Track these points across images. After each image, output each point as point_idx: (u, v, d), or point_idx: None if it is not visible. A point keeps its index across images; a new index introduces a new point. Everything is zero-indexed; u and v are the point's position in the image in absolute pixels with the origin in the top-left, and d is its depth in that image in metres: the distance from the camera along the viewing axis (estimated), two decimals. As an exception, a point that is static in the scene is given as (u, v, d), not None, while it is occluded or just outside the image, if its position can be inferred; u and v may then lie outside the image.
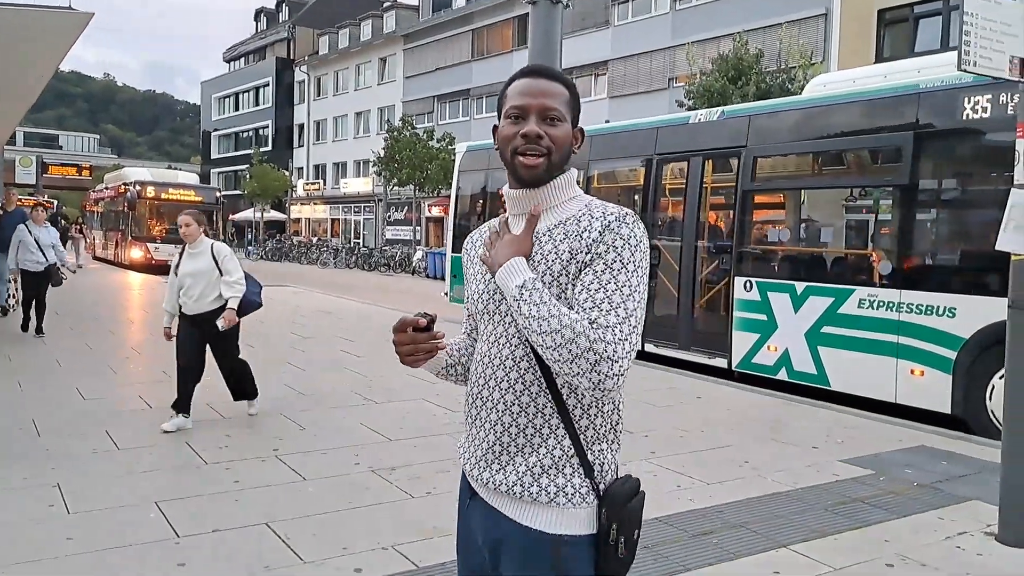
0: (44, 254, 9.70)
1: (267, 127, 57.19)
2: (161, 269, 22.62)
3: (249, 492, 4.26)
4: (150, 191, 23.97)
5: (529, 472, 1.51)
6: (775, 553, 3.57)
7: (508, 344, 1.54)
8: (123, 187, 24.98)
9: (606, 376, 1.38)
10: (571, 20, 35.12)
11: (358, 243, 44.26)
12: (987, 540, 3.74)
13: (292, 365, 8.11)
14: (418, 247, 35.52)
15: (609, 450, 1.56)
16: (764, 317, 7.82)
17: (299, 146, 55.57)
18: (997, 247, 3.48)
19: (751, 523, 3.92)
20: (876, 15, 27.10)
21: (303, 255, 37.66)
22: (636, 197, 9.74)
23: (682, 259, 8.82)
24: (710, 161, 8.82)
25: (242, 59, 64.44)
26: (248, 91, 60.07)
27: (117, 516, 3.86)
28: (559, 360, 1.40)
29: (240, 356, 6.08)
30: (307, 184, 52.66)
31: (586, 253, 1.47)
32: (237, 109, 61.52)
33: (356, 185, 48.27)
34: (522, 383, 1.52)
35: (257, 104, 58.81)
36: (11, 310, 11.35)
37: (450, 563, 3.41)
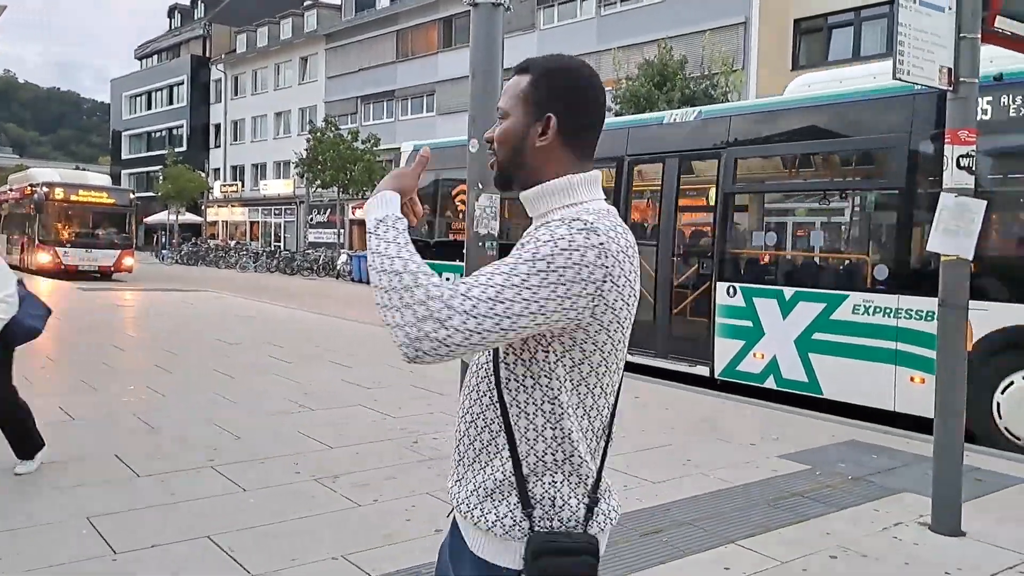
0: None
1: (181, 127, 55.45)
2: (70, 275, 21.63)
3: (187, 505, 4.09)
4: (59, 192, 22.76)
5: (475, 493, 1.40)
6: (724, 549, 3.64)
7: (481, 354, 1.44)
8: (29, 188, 23.77)
9: (426, 336, 1.25)
10: (496, 23, 35.24)
11: (279, 246, 43.30)
12: (922, 530, 3.91)
13: (219, 372, 7.85)
14: (342, 250, 34.98)
15: (565, 485, 1.36)
16: (750, 323, 7.62)
17: (216, 146, 54.01)
18: (927, 248, 3.65)
19: (698, 520, 3.99)
20: (792, 24, 28.15)
21: (221, 259, 36.58)
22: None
23: (658, 264, 8.57)
24: (688, 162, 8.68)
25: (155, 56, 62.29)
26: (161, 89, 58.12)
27: (47, 534, 3.65)
28: (388, 305, 1.30)
29: (16, 398, 4.61)
30: (224, 186, 51.23)
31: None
32: (150, 108, 59.45)
33: (276, 187, 47.22)
34: (478, 392, 1.42)
35: (171, 103, 56.95)
36: None
37: (404, 570, 3.36)
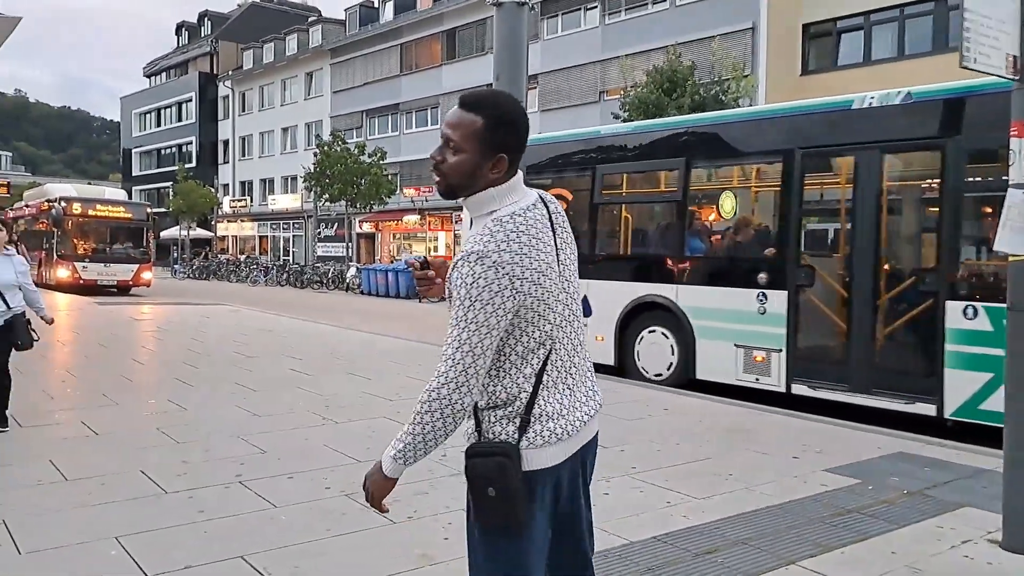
0: (4, 299, 5.80)
1: (191, 143, 55.63)
2: (90, 289, 21.56)
3: (217, 523, 3.94)
4: (76, 207, 22.65)
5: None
6: (786, 571, 3.45)
7: None
8: (46, 204, 23.66)
9: (445, 401, 1.75)
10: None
11: (288, 260, 43.27)
12: (993, 548, 3.71)
13: (240, 385, 7.70)
14: (351, 263, 34.89)
15: (506, 420, 1.83)
16: (999, 352, 6.57)
17: (224, 162, 54.13)
18: (995, 248, 3.48)
19: (753, 539, 3.81)
20: (801, 29, 28.03)
21: (231, 273, 36.55)
22: (764, 201, 8.13)
23: (852, 279, 7.05)
24: (892, 155, 7.07)
25: (163, 74, 62.62)
26: (170, 107, 58.38)
27: (74, 556, 3.50)
28: (440, 415, 1.77)
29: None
30: (233, 201, 51.30)
31: (450, 282, 1.77)
32: (159, 125, 59.70)
33: (284, 201, 47.25)
34: None
35: (180, 120, 57.18)
36: None
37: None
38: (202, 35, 59.11)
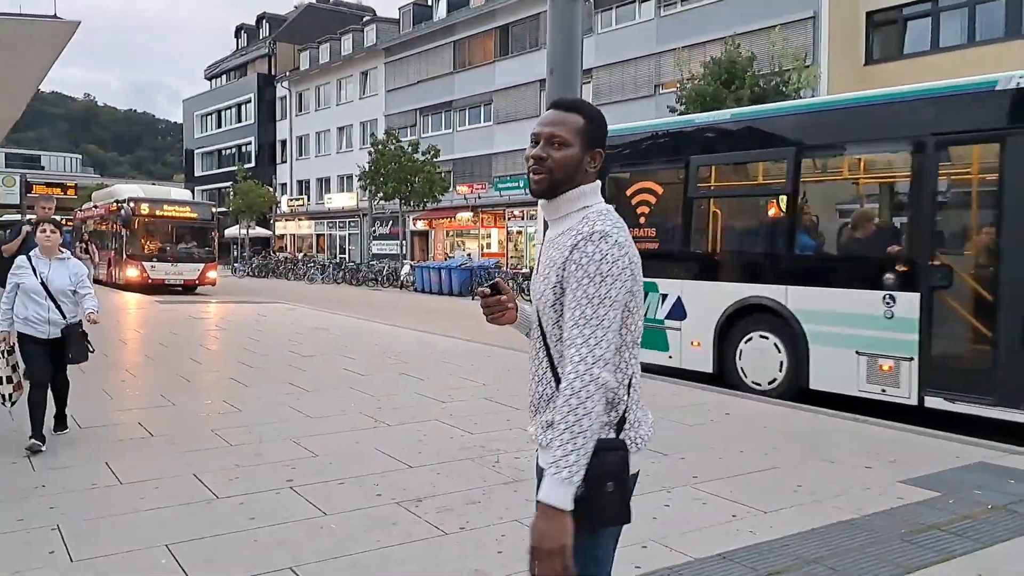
0: (59, 307, 5.44)
1: (250, 144, 56.73)
2: (156, 289, 22.01)
3: (268, 531, 3.87)
4: (144, 208, 22.94)
5: (540, 425, 1.88)
6: (861, 590, 3.23)
7: (536, 329, 1.92)
8: (115, 205, 24.07)
9: (595, 382, 1.69)
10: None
11: (343, 258, 43.78)
12: (1091, 568, 3.42)
13: (294, 386, 7.70)
14: (405, 261, 35.11)
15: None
16: None
17: (282, 162, 55.07)
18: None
19: (826, 558, 3.57)
20: (864, 17, 27.12)
21: (289, 271, 37.17)
22: (890, 193, 7.66)
23: (999, 278, 6.36)
24: None
25: (223, 76, 63.96)
26: (230, 108, 59.61)
27: (125, 563, 3.46)
28: (597, 400, 1.70)
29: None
30: (291, 200, 52.16)
31: (564, 269, 1.80)
32: (219, 126, 61.03)
33: (340, 200, 47.82)
34: (538, 359, 1.91)
35: (239, 121, 58.36)
36: (8, 403, 5.57)
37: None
38: (260, 37, 60.17)
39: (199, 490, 4.49)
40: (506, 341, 11.22)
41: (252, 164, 53.32)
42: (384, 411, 6.63)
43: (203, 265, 23.39)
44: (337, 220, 49.00)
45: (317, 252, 47.99)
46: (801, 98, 19.57)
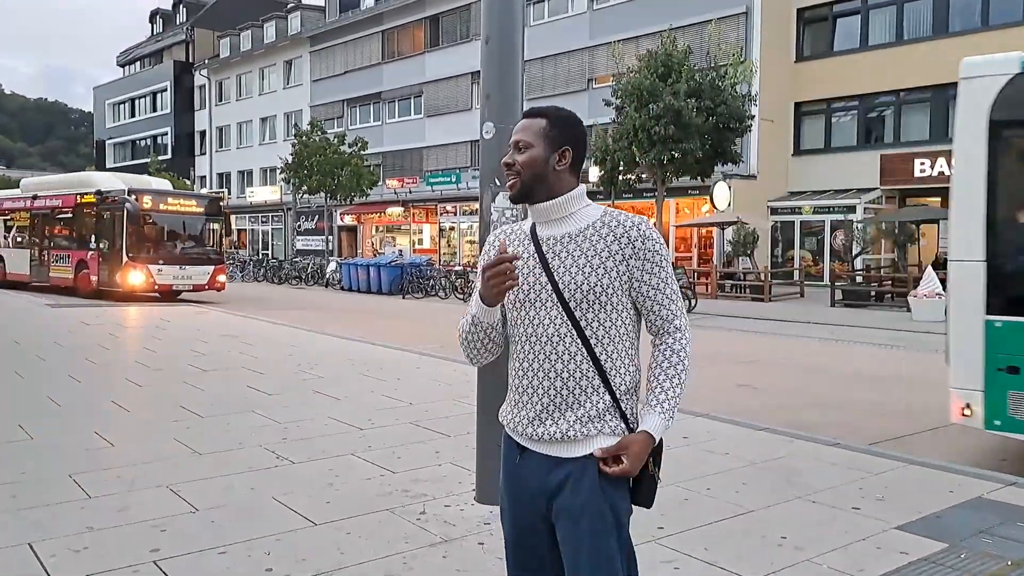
0: None
1: (166, 134, 54.19)
2: (153, 295, 19.25)
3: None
4: (147, 201, 18.94)
5: (579, 421, 1.90)
6: None
7: (550, 324, 1.93)
8: (93, 196, 19.66)
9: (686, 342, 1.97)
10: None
11: (266, 255, 42.00)
12: None
13: (186, 410, 6.61)
14: (331, 258, 33.74)
15: (636, 402, 1.96)
16: None
17: (201, 153, 52.73)
18: None
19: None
20: (795, 14, 27.06)
21: (207, 269, 35.26)
22: None
23: None
24: None
25: (137, 63, 60.92)
26: (144, 96, 56.88)
27: None
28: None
29: None
30: (210, 193, 49.91)
31: (634, 259, 1.91)
32: (133, 116, 58.20)
33: (263, 194, 45.95)
34: (568, 354, 1.91)
35: (154, 110, 55.71)
36: None
37: None
38: (177, 23, 57.48)
39: (30, 569, 3.44)
40: (436, 349, 10.28)
41: (168, 156, 50.85)
42: (289, 443, 5.62)
43: (213, 267, 19.93)
44: (259, 215, 47.09)
45: (238, 248, 45.95)
46: (737, 92, 19.18)
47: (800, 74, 27.19)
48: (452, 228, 36.33)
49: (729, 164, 20.16)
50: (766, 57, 25.10)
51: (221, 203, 21.46)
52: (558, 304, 1.91)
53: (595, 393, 1.90)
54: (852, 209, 24.83)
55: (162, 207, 19.34)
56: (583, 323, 1.90)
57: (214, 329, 12.59)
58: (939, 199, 24.49)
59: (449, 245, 36.41)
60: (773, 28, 26.13)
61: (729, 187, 23.51)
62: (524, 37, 4.54)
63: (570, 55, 30.95)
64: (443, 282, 23.43)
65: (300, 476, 4.86)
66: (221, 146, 51.08)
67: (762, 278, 22.01)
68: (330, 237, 37.91)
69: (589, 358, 1.90)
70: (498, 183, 4.31)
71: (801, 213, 26.64)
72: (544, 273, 1.94)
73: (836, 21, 26.93)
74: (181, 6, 57.75)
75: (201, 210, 20.27)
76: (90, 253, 19.85)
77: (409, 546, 3.78)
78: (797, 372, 9.95)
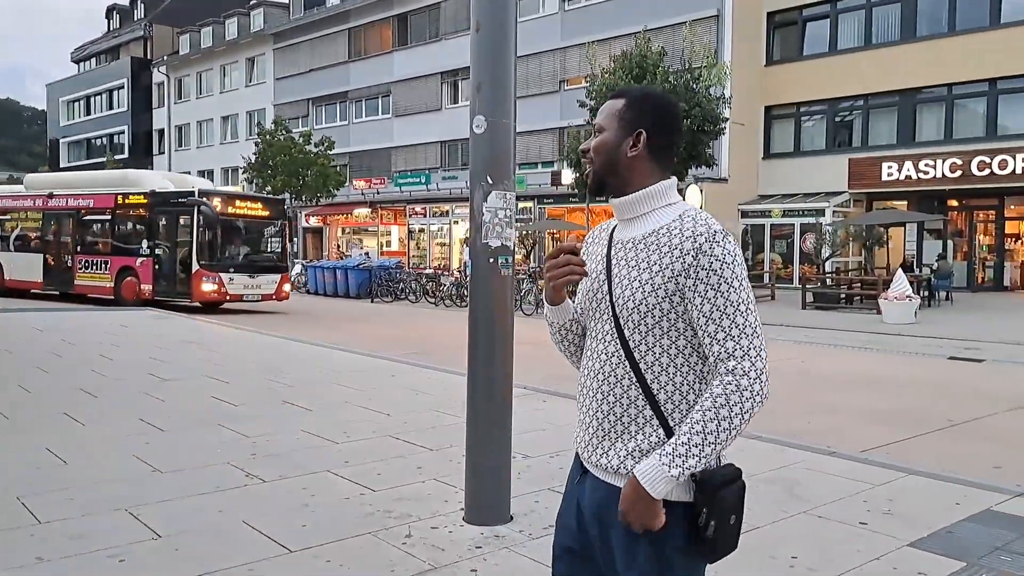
0: None
1: (123, 133, 52.96)
2: (213, 306, 17.80)
3: None
4: (217, 203, 17.24)
5: (630, 456, 1.67)
6: None
7: (604, 340, 1.73)
8: (149, 196, 17.89)
9: (761, 398, 1.60)
10: (454, 21, 33.75)
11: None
12: None
13: (146, 423, 6.19)
14: (296, 260, 33.10)
15: None
16: None
17: (160, 153, 51.59)
18: None
19: None
20: (766, 17, 27.17)
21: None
22: None
23: None
24: None
25: (93, 59, 59.43)
26: (100, 94, 55.51)
27: None
28: (748, 421, 1.59)
29: None
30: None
31: (685, 276, 1.61)
32: (88, 113, 56.74)
33: (225, 194, 45.00)
34: (615, 377, 1.70)
35: (111, 108, 54.38)
36: None
37: None
38: (135, 18, 56.19)
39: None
40: (411, 356, 9.94)
41: (125, 155, 49.64)
42: (259, 459, 5.25)
43: (280, 275, 18.51)
44: (222, 216, 46.12)
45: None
46: (710, 94, 19.11)
47: (770, 78, 27.31)
48: (422, 230, 35.91)
49: (703, 167, 20.06)
50: (737, 61, 25.14)
51: (284, 206, 20.21)
52: (612, 319, 1.71)
53: (647, 425, 1.68)
54: (821, 212, 24.97)
55: (230, 210, 17.59)
56: (631, 344, 1.68)
57: (174, 334, 12.08)
58: (906, 202, 24.75)
59: (419, 247, 35.97)
60: (744, 32, 26.20)
61: (701, 190, 23.47)
62: (516, 25, 4.26)
63: (541, 56, 30.75)
64: (413, 285, 23.03)
65: (272, 496, 4.50)
66: (181, 145, 50.01)
67: (733, 281, 21.95)
68: (295, 239, 37.20)
69: (638, 384, 1.68)
70: (490, 180, 4.01)
71: (771, 216, 26.74)
72: (607, 282, 1.74)
73: (806, 25, 27.08)
74: (139, 1, 56.47)
75: (268, 213, 18.76)
76: (140, 259, 17.89)
77: (395, 574, 3.47)
78: (777, 377, 9.78)
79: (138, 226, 18.34)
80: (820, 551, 3.78)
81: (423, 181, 34.16)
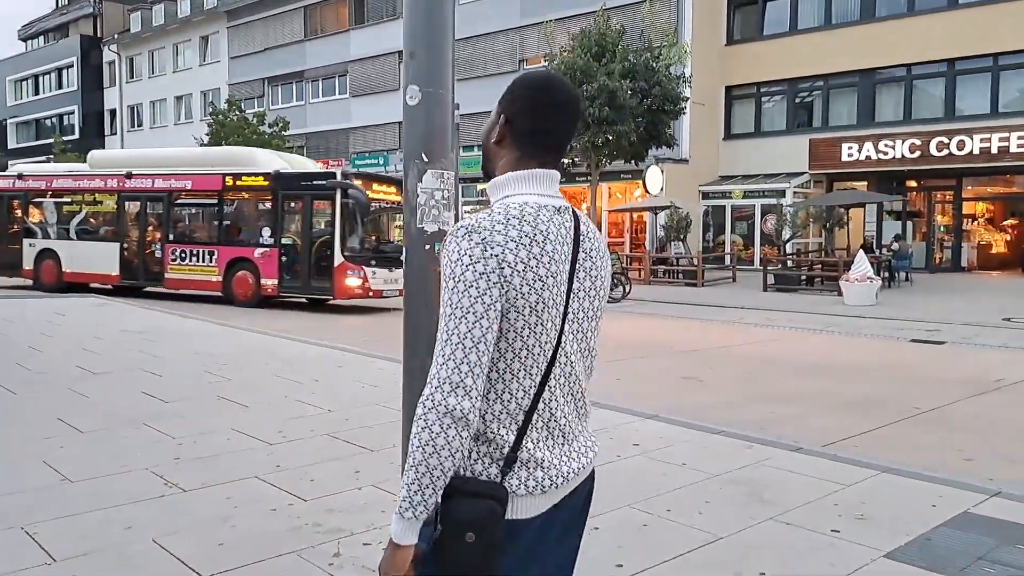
0: None
1: (73, 113, 51.21)
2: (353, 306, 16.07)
3: None
4: (359, 184, 14.83)
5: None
6: None
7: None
8: (270, 178, 15.29)
9: (436, 418, 1.41)
10: (413, -2, 32.96)
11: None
12: None
13: (65, 423, 5.70)
14: (252, 244, 32.25)
15: (479, 450, 1.53)
16: None
17: (112, 133, 50.01)
18: None
19: None
20: (726, -4, 26.92)
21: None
22: None
23: None
24: None
25: (41, 37, 57.33)
26: (49, 73, 53.60)
27: None
28: (439, 449, 1.42)
29: None
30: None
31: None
32: (37, 93, 54.85)
33: (179, 176, 43.78)
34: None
35: (60, 87, 52.54)
36: None
37: None
38: (84, -5, 54.24)
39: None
40: (361, 345, 9.52)
41: (76, 136, 48.02)
42: (183, 464, 4.81)
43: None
44: (176, 199, 44.91)
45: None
46: (671, 73, 18.81)
47: (730, 58, 27.10)
48: (380, 212, 35.27)
49: (663, 148, 19.79)
50: (697, 40, 24.86)
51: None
52: None
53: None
54: (782, 193, 24.90)
55: (370, 195, 14.90)
56: None
57: (113, 324, 11.48)
58: (865, 183, 24.78)
59: (377, 230, 35.34)
60: (704, 10, 25.92)
61: (662, 171, 23.23)
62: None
63: (499, 34, 30.18)
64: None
65: (191, 509, 4.08)
66: (133, 126, 48.51)
67: (695, 263, 21.84)
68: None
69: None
70: (425, 158, 3.60)
71: (732, 197, 26.63)
72: None
73: (766, 5, 26.89)
74: (88, -23, 54.52)
75: (400, 198, 16.29)
76: (260, 250, 15.30)
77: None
78: (740, 362, 9.55)
79: (256, 212, 15.80)
80: (790, 564, 3.48)
81: (381, 163, 33.48)
